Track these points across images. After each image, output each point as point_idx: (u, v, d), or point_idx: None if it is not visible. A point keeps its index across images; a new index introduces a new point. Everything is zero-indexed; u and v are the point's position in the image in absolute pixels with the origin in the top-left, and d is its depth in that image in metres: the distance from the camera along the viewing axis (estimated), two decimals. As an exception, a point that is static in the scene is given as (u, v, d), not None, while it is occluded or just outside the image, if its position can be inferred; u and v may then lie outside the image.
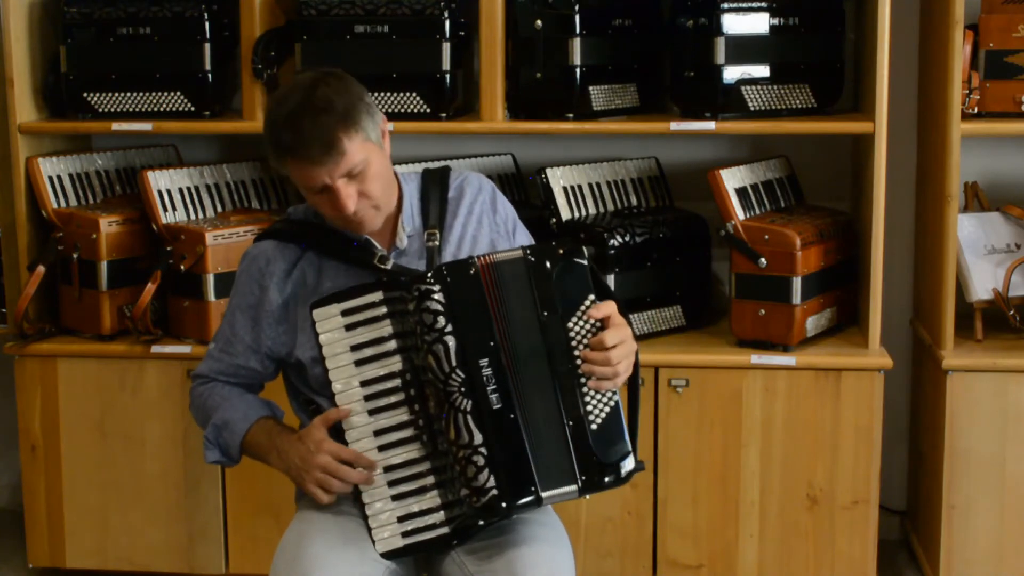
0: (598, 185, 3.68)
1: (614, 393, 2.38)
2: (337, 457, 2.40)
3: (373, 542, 2.41)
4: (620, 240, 3.48)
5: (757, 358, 3.44)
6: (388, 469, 2.40)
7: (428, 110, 3.55)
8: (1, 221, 3.74)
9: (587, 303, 2.38)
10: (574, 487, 2.34)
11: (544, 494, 2.33)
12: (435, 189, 2.60)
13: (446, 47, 3.53)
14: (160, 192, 3.61)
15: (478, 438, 2.32)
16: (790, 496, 3.47)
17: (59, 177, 3.71)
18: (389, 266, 2.50)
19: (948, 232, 3.43)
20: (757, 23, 3.50)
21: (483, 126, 3.56)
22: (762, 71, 3.51)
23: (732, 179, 3.52)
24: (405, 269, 2.50)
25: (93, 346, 3.63)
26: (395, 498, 2.41)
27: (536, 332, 2.36)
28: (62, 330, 3.72)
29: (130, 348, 3.61)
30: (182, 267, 3.53)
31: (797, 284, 3.41)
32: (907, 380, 3.91)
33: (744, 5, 3.47)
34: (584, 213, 3.62)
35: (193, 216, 3.66)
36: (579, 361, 2.36)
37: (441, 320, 2.33)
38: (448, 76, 3.53)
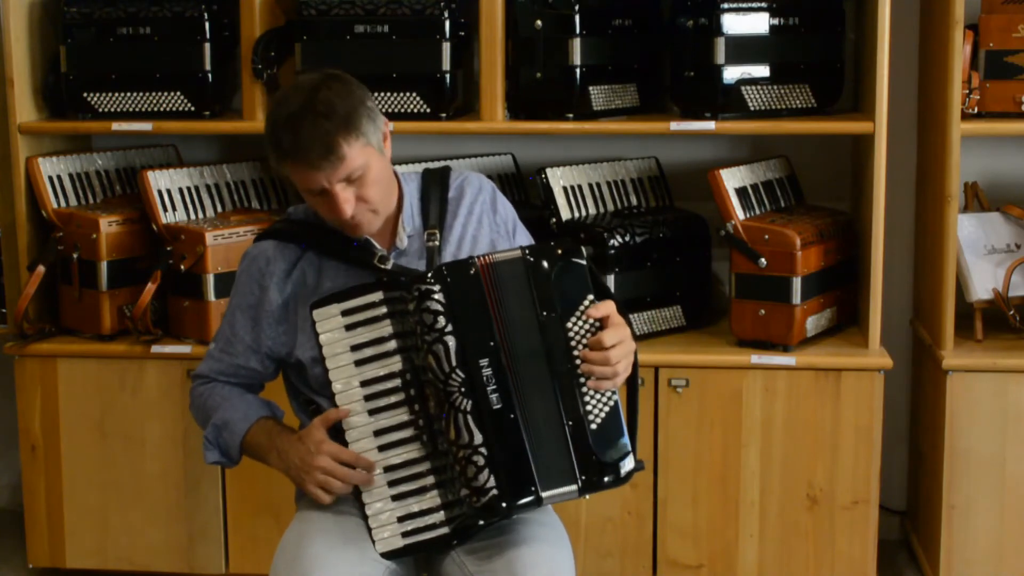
0: (598, 185, 3.68)
1: (613, 393, 2.38)
2: (337, 458, 2.40)
3: (373, 542, 2.41)
4: (620, 240, 3.48)
5: (757, 358, 3.44)
6: (388, 469, 2.40)
7: (428, 110, 3.55)
8: (1, 221, 3.74)
9: (586, 303, 2.38)
10: (574, 487, 2.34)
11: (544, 494, 2.33)
12: (435, 189, 2.60)
13: (446, 47, 3.52)
14: (160, 192, 3.61)
15: (478, 438, 2.32)
16: (790, 496, 3.47)
17: (59, 177, 3.71)
18: (389, 266, 2.49)
19: (948, 232, 3.43)
20: (757, 23, 3.50)
21: (483, 126, 3.56)
22: (762, 71, 3.51)
23: (732, 179, 3.52)
24: (405, 269, 2.50)
25: (93, 346, 3.63)
26: (395, 498, 2.41)
27: (535, 332, 2.36)
28: (62, 330, 3.71)
29: (130, 348, 3.61)
30: (182, 267, 3.53)
31: (797, 284, 3.41)
32: (907, 380, 3.91)
33: (744, 5, 3.47)
34: (584, 213, 3.62)
35: (193, 216, 3.66)
36: (578, 361, 2.35)
37: (441, 320, 2.33)
38: (448, 76, 3.53)
